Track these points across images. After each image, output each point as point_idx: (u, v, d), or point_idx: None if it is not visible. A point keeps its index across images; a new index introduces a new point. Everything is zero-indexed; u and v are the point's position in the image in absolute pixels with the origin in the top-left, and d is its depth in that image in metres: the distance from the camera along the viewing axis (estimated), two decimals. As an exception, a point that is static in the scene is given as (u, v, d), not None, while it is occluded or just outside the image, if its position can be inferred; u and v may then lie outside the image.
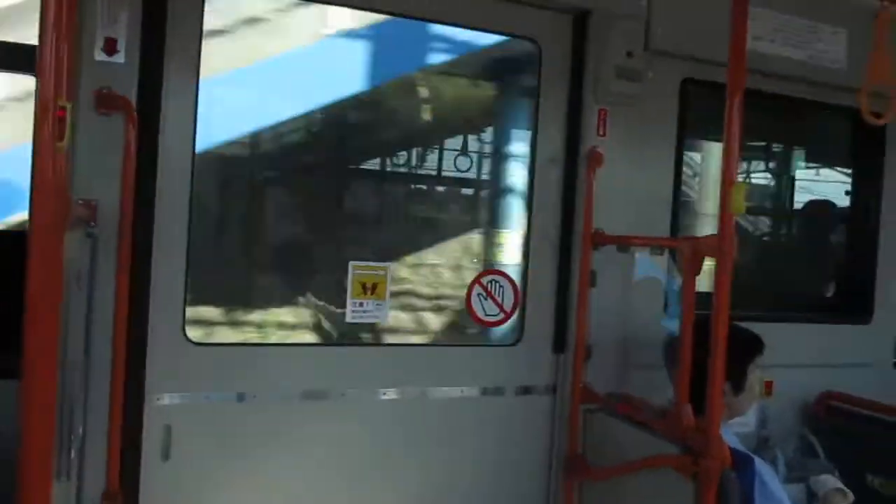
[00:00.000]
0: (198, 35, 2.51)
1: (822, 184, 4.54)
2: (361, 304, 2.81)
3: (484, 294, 3.00)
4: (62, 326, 1.84)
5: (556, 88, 3.01)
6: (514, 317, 3.03)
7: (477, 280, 3.01)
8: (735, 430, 2.94)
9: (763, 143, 4.30)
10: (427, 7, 2.87)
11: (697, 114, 3.33)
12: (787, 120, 3.88)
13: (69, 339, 2.10)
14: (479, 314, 3.00)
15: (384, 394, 2.84)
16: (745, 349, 2.70)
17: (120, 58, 2.33)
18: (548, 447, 3.04)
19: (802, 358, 3.38)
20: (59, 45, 1.40)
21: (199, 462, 2.58)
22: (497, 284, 3.02)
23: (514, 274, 3.06)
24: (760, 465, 2.54)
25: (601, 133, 2.99)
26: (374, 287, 2.82)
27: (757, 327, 2.82)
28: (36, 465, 1.42)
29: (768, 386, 3.39)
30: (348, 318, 2.80)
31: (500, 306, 3.02)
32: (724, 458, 2.31)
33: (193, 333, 2.58)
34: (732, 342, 2.57)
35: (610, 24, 2.93)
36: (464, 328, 3.20)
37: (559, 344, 3.02)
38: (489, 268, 3.14)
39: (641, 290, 3.10)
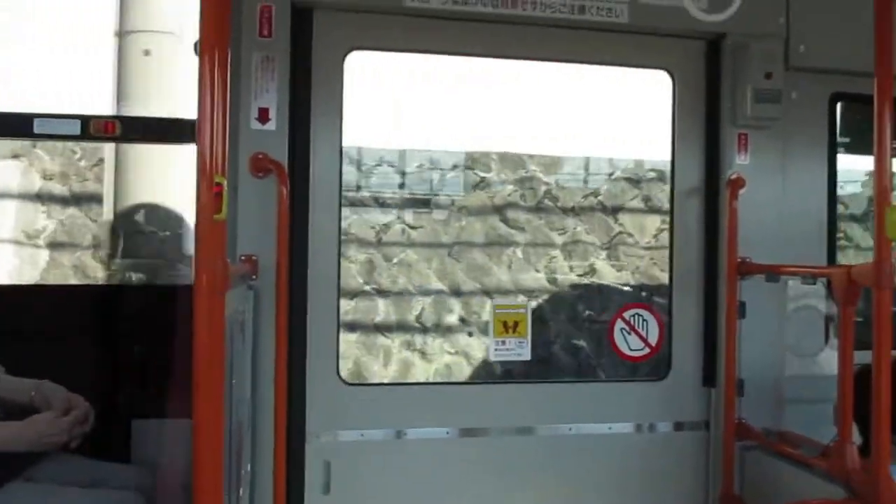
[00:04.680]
0: (339, 100, 2.70)
1: None
2: (504, 343, 2.87)
3: (627, 329, 2.97)
4: (227, 371, 2.02)
5: (691, 116, 2.95)
6: (660, 351, 2.97)
7: (619, 315, 2.98)
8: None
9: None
10: (562, 50, 2.92)
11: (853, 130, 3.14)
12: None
13: (236, 383, 2.30)
14: (623, 349, 2.97)
15: (536, 430, 2.86)
16: None
17: (272, 125, 2.57)
18: (703, 485, 2.93)
19: None
20: (215, 126, 1.58)
21: (357, 496, 2.72)
22: (640, 318, 2.98)
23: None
24: (942, 509, 2.32)
25: (742, 158, 2.89)
26: (516, 325, 2.87)
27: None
28: (208, 501, 1.58)
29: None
30: (491, 357, 2.87)
31: (645, 340, 2.97)
32: (896, 503, 2.14)
33: (347, 374, 2.75)
34: None
35: (746, 45, 2.84)
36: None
37: (709, 378, 2.92)
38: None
39: (799, 320, 2.93)
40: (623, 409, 2.93)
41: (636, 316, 2.98)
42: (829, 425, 2.51)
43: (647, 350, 2.97)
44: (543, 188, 6.90)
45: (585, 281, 6.79)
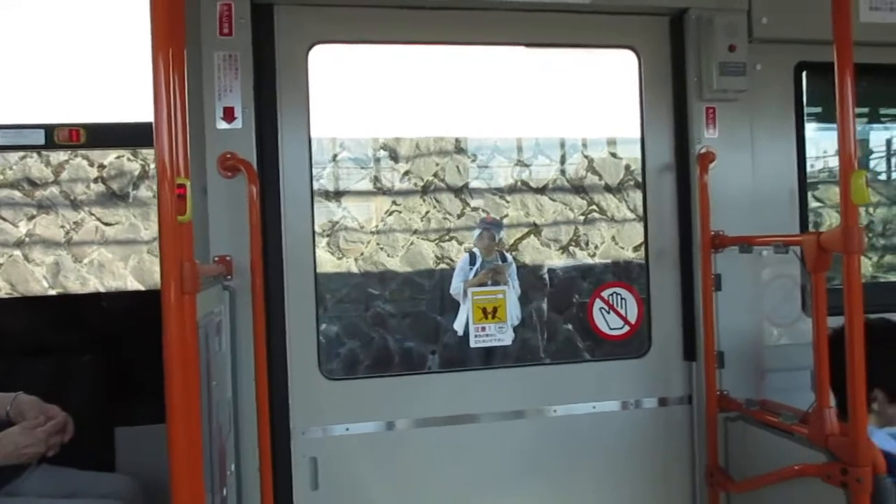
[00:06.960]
0: (305, 95, 2.68)
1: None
2: (483, 329, 2.88)
3: (606, 308, 2.98)
4: (205, 373, 2.01)
5: (658, 93, 2.96)
6: (640, 328, 2.99)
7: (597, 294, 2.99)
8: (897, 430, 2.73)
9: None
10: (525, 33, 2.91)
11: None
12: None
13: (216, 384, 2.29)
14: (603, 328, 2.98)
15: (522, 414, 2.87)
16: None
17: (238, 124, 2.55)
18: (689, 458, 2.96)
19: None
20: (174, 127, 1.56)
21: (346, 490, 2.72)
22: (619, 296, 2.99)
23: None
24: (922, 468, 2.35)
25: (711, 132, 2.90)
26: (495, 311, 2.88)
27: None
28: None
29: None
30: (472, 344, 2.88)
31: (624, 318, 2.98)
32: (876, 465, 2.16)
33: (327, 369, 2.74)
34: (890, 345, 2.39)
35: (709, 19, 2.84)
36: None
37: (689, 352, 2.94)
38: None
39: (774, 290, 2.96)
40: (606, 388, 2.94)
41: (614, 294, 3.00)
42: (807, 392, 2.54)
43: (627, 328, 2.99)
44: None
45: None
